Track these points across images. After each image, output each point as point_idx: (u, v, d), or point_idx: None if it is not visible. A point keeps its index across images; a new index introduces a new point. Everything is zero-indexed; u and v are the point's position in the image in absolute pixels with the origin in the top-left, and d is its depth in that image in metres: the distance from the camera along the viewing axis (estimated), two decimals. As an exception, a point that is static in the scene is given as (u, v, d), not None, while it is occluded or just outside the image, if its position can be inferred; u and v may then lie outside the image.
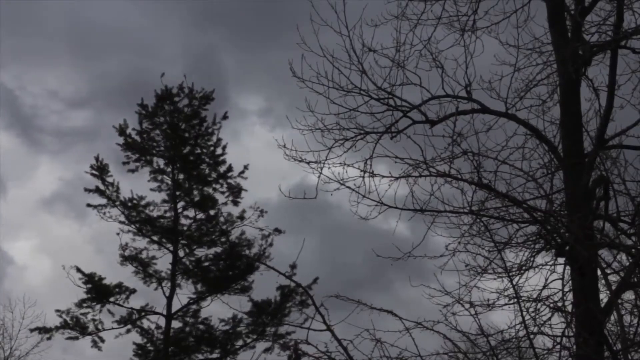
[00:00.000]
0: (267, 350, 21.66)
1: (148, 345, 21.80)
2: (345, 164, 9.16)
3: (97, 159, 22.57)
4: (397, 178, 8.95)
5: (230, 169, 23.07)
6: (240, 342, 22.17)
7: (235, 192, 22.96)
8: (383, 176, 9.01)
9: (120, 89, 43.77)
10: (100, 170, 22.55)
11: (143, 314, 21.99)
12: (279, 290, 22.27)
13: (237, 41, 44.78)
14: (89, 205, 22.54)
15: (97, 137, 42.28)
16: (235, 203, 22.98)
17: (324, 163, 9.21)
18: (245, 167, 23.13)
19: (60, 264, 34.35)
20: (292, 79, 9.13)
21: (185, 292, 22.34)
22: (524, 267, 9.32)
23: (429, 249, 9.15)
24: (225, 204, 22.98)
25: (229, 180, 23.03)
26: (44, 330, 21.80)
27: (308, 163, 9.24)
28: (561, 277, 9.08)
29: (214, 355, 22.20)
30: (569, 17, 9.57)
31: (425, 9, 9.87)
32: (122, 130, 22.79)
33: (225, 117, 23.39)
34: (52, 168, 44.30)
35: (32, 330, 22.25)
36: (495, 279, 9.20)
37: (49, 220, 40.98)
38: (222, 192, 22.97)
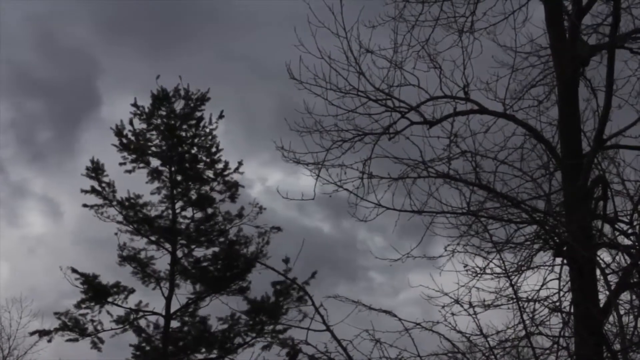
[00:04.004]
0: (265, 347, 21.63)
1: (145, 345, 21.76)
2: (343, 166, 9.17)
3: (92, 160, 22.55)
4: (395, 179, 8.96)
5: (226, 166, 23.04)
6: (238, 341, 22.16)
7: (232, 188, 22.90)
8: (381, 177, 9.03)
9: None
10: (96, 170, 22.48)
11: (141, 314, 21.97)
12: (273, 288, 22.25)
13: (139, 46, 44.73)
14: (85, 205, 22.48)
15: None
16: (233, 200, 22.96)
17: (322, 164, 9.22)
18: (240, 163, 23.11)
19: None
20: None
21: (183, 292, 22.32)
22: (522, 267, 9.34)
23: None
24: (222, 201, 22.97)
25: (226, 178, 23.02)
26: (44, 333, 21.75)
27: (306, 165, 9.26)
28: (559, 277, 9.10)
29: (213, 355, 22.16)
30: (566, 18, 9.58)
31: (423, 10, 9.88)
32: (118, 132, 22.74)
33: (221, 116, 23.36)
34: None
35: (31, 334, 22.22)
36: (493, 279, 9.22)
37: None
38: (220, 192, 22.95)
